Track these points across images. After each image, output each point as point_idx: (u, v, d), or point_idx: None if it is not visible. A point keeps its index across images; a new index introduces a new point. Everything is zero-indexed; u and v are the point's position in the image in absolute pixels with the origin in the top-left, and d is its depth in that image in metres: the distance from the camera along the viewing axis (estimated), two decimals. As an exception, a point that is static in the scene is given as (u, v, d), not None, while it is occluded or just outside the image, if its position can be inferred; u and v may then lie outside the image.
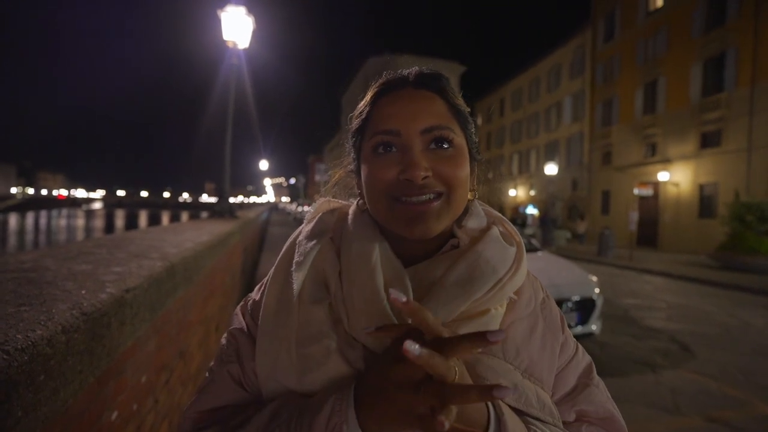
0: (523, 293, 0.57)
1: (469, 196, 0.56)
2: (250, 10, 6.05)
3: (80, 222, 45.51)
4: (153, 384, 1.36)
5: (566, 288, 4.05)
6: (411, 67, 0.58)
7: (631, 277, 9.95)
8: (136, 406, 1.18)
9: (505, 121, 32.54)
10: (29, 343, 0.64)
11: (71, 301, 0.86)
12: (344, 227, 0.58)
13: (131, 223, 43.85)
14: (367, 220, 0.57)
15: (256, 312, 0.57)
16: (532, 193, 29.17)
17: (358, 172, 0.58)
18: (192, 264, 1.86)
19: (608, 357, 4.20)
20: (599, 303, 4.15)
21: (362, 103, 0.58)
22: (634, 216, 12.60)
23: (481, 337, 0.39)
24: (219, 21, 6.00)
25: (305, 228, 0.61)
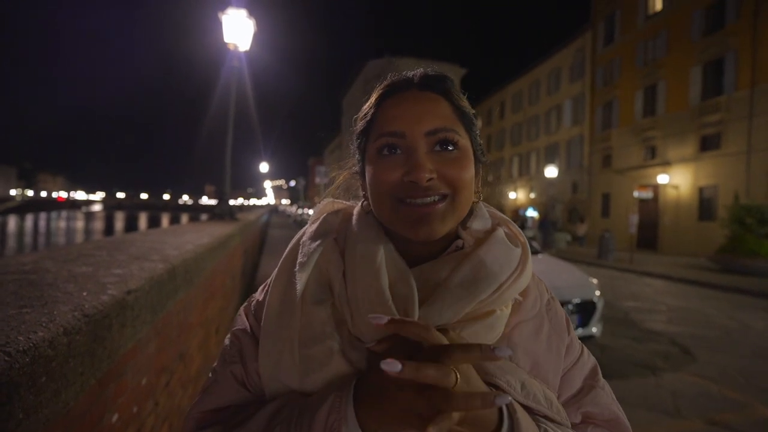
0: (528, 295, 0.57)
1: (473, 198, 0.56)
2: (251, 13, 6.08)
3: (80, 224, 45.49)
4: (153, 386, 1.36)
5: (567, 290, 4.05)
6: (412, 70, 0.58)
7: (631, 280, 9.94)
8: (136, 408, 1.18)
9: (505, 123, 32.58)
10: (31, 344, 0.64)
11: (73, 302, 0.86)
12: (348, 228, 0.58)
13: (131, 226, 43.84)
14: (372, 221, 0.57)
15: (259, 312, 0.57)
16: (532, 195, 29.18)
17: (362, 173, 0.58)
18: (192, 266, 1.86)
19: (609, 360, 4.19)
20: (600, 306, 4.15)
21: (367, 104, 0.58)
22: (634, 219, 12.60)
23: (479, 348, 0.40)
24: (220, 23, 6.03)
25: (309, 229, 0.61)
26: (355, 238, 0.55)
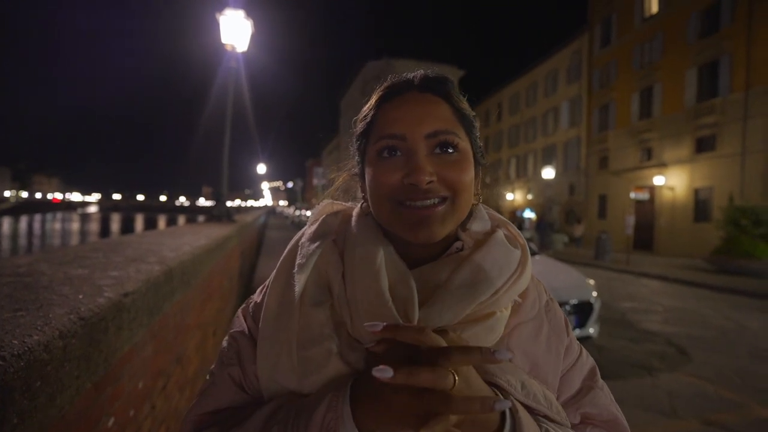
0: (527, 296, 0.58)
1: (473, 200, 0.56)
2: (249, 14, 6.07)
3: (75, 226, 45.24)
4: (150, 389, 1.34)
5: (564, 291, 4.06)
6: (411, 71, 0.58)
7: (628, 281, 9.98)
8: (133, 412, 1.17)
9: (502, 125, 32.69)
10: (26, 348, 0.63)
11: (68, 305, 0.85)
12: (348, 230, 0.58)
13: (127, 227, 43.63)
14: (371, 222, 0.57)
15: (257, 314, 0.57)
16: (530, 197, 29.27)
17: (362, 175, 0.58)
18: (190, 268, 1.85)
19: (606, 360, 4.20)
20: (597, 306, 4.16)
21: (367, 106, 0.58)
22: (631, 220, 12.66)
23: (479, 351, 0.40)
24: (217, 24, 6.02)
25: (308, 230, 0.60)
26: (354, 240, 0.55)
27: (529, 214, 23.08)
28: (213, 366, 0.59)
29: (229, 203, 7.19)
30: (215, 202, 6.68)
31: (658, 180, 17.18)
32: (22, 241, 28.95)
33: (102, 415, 0.95)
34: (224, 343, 0.59)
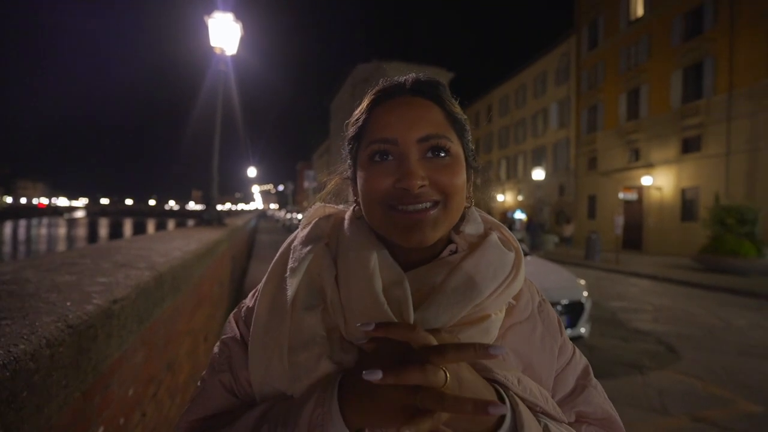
0: (521, 298, 0.58)
1: (465, 203, 0.56)
2: (238, 17, 6.04)
3: (62, 231, 44.42)
4: (140, 397, 1.32)
5: (555, 292, 4.09)
6: (400, 74, 0.58)
7: (617, 280, 10.10)
8: (122, 420, 1.15)
9: (492, 127, 32.95)
10: (11, 358, 0.62)
11: (56, 313, 0.83)
12: (340, 233, 0.58)
13: (116, 232, 42.93)
14: (364, 226, 0.57)
15: (249, 319, 0.57)
16: (520, 198, 29.52)
17: (354, 178, 0.58)
18: (180, 273, 1.83)
19: (597, 359, 4.24)
20: (588, 306, 4.20)
21: (358, 110, 0.58)
22: (620, 220, 12.83)
23: (472, 347, 0.40)
24: (206, 27, 5.97)
25: (300, 233, 0.60)
26: (347, 244, 0.55)
27: (519, 215, 23.27)
28: (204, 372, 0.58)
29: (219, 207, 7.13)
30: (205, 206, 6.61)
31: (646, 180, 17.47)
32: (7, 247, 28.33)
33: (91, 425, 0.94)
34: (215, 349, 0.59)
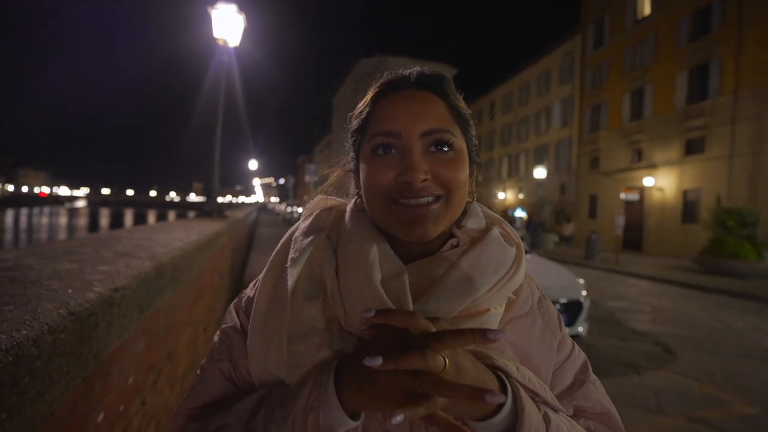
0: (520, 293, 0.59)
1: (467, 198, 0.56)
2: (241, 8, 6.01)
3: (63, 220, 44.49)
4: (140, 385, 1.33)
5: (554, 290, 4.10)
6: (405, 69, 0.57)
7: (617, 281, 10.11)
8: (122, 407, 1.16)
9: (495, 124, 32.83)
10: (14, 343, 0.62)
11: (58, 300, 0.84)
12: (341, 225, 0.58)
13: (116, 222, 42.97)
14: (365, 218, 0.57)
15: (250, 308, 0.57)
16: (521, 196, 29.48)
17: (356, 171, 0.58)
18: (181, 264, 1.84)
19: (594, 359, 4.25)
20: (586, 305, 4.21)
21: (362, 102, 0.57)
22: (621, 220, 12.82)
23: (470, 332, 0.41)
24: (209, 18, 5.94)
25: (302, 224, 0.60)
26: (348, 236, 0.55)
27: (520, 214, 23.26)
28: (203, 361, 0.59)
29: (220, 199, 7.13)
30: (206, 198, 6.62)
31: (648, 181, 17.42)
32: (9, 235, 28.40)
33: (91, 411, 0.94)
34: (215, 338, 0.59)
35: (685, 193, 16.86)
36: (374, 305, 0.48)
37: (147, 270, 1.33)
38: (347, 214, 0.59)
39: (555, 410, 0.51)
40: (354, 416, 0.45)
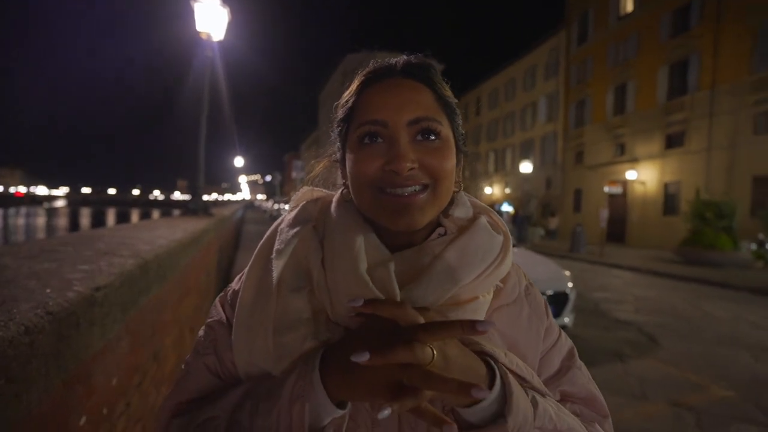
0: (508, 281, 0.59)
1: (454, 188, 0.56)
2: (225, 1, 5.89)
3: (41, 221, 43.23)
4: (125, 387, 1.30)
5: (541, 282, 4.16)
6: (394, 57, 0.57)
7: (601, 272, 10.32)
8: (106, 410, 1.13)
9: (481, 119, 33.07)
10: (-12, 345, 0.60)
11: (35, 300, 0.81)
12: (327, 216, 0.57)
13: (98, 222, 41.93)
14: (352, 208, 0.56)
15: (235, 302, 0.56)
16: (508, 190, 29.79)
17: (343, 161, 0.57)
18: (166, 261, 1.80)
19: (579, 348, 4.22)
20: (572, 297, 4.28)
21: (348, 91, 0.57)
22: (605, 214, 13.07)
23: (459, 324, 0.41)
24: (192, 11, 5.81)
25: (287, 216, 0.60)
26: (334, 226, 0.55)
27: (506, 208, 23.50)
28: (188, 356, 0.58)
29: (205, 197, 7.02)
30: (191, 196, 6.50)
31: (631, 174, 17.79)
32: (-17, 237, 27.45)
33: (73, 413, 0.92)
34: (200, 333, 0.59)
35: (666, 186, 17.27)
36: (360, 294, 0.47)
37: (130, 268, 1.29)
38: (333, 205, 0.58)
39: (542, 395, 0.51)
40: (341, 405, 0.45)
